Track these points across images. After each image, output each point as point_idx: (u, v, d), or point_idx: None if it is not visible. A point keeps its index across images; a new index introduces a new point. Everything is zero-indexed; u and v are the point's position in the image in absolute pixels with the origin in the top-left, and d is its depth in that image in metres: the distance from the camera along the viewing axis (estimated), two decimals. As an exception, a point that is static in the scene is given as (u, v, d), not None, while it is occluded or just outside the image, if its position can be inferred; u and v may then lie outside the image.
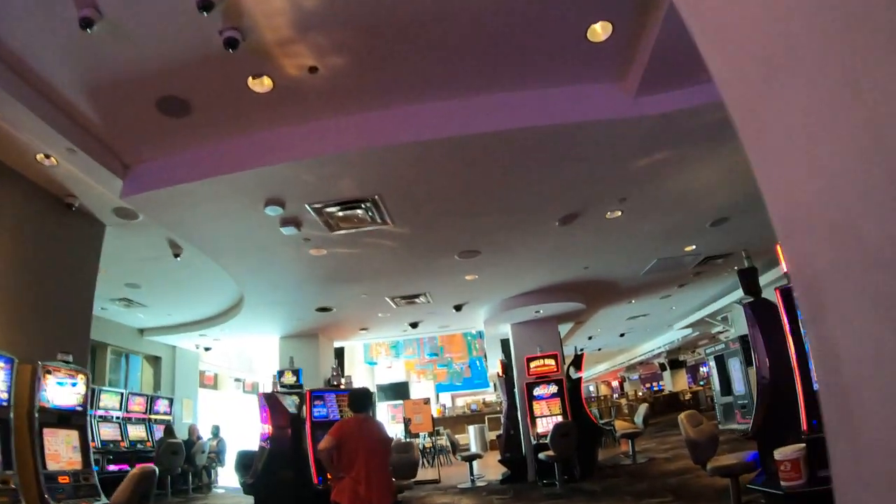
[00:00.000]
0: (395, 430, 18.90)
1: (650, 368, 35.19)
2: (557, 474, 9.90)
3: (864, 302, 1.00)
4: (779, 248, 5.64)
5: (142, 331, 13.76)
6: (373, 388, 24.11)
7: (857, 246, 1.00)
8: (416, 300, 11.39)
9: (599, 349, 26.05)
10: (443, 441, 16.16)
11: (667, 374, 32.03)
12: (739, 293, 14.29)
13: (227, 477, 13.60)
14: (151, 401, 13.23)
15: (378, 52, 4.76)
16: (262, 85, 4.96)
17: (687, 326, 19.57)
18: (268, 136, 5.65)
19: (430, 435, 16.52)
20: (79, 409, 6.38)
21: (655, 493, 8.09)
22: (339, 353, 15.06)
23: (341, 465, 5.15)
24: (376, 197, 6.45)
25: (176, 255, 8.29)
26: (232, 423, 16.47)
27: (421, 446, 16.80)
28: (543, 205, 7.32)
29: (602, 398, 32.55)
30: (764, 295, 6.24)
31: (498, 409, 19.86)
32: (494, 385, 20.91)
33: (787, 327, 5.28)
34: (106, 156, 5.67)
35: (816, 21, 0.99)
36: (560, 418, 11.06)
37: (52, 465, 5.85)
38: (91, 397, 10.95)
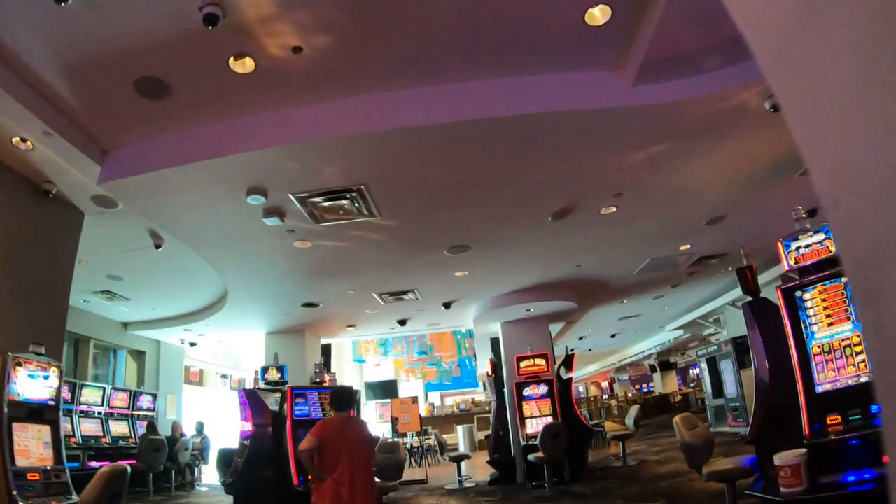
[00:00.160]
0: (382, 430, 18.72)
1: (640, 370, 35.22)
2: (547, 476, 9.73)
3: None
4: (780, 247, 5.52)
5: (125, 325, 13.58)
6: (360, 387, 23.97)
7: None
8: (405, 297, 11.21)
9: (590, 350, 25.99)
10: (431, 441, 15.96)
11: (657, 375, 32.08)
12: (732, 295, 14.37)
13: (211, 475, 13.37)
14: (135, 396, 13.08)
15: (366, 32, 4.56)
16: (244, 66, 4.76)
17: (679, 328, 19.53)
18: (250, 120, 5.43)
19: (418, 434, 16.31)
20: (51, 403, 6.13)
21: (647, 497, 7.93)
22: (326, 350, 14.83)
23: (323, 466, 4.99)
24: (362, 187, 6.22)
25: (157, 246, 8.07)
26: (217, 420, 16.23)
27: (408, 446, 16.63)
28: (536, 198, 7.12)
29: (592, 399, 32.49)
30: (762, 295, 6.03)
31: (487, 408, 19.67)
32: (484, 385, 20.76)
33: (788, 327, 5.14)
34: (83, 140, 5.46)
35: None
36: (550, 419, 10.90)
37: (21, 462, 5.61)
38: (72, 392, 11.07)
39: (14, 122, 4.98)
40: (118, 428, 12.36)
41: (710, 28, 4.70)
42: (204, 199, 6.30)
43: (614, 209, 7.68)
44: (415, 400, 15.92)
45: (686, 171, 6.95)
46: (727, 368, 14.33)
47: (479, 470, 13.28)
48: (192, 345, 15.33)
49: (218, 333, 14.21)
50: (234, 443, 8.95)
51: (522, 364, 11.68)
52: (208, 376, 19.16)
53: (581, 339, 20.71)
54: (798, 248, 5.32)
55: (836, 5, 0.93)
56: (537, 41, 4.87)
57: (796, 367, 5.02)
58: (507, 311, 12.22)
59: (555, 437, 9.53)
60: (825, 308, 5.09)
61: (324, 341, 14.93)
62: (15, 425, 5.67)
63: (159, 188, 5.97)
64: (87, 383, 11.98)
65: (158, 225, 7.28)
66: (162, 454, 11.53)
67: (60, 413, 6.36)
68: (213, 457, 13.13)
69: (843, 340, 4.93)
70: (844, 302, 4.99)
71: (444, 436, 15.39)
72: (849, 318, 4.94)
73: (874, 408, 4.61)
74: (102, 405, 11.99)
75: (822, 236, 5.24)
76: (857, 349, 4.85)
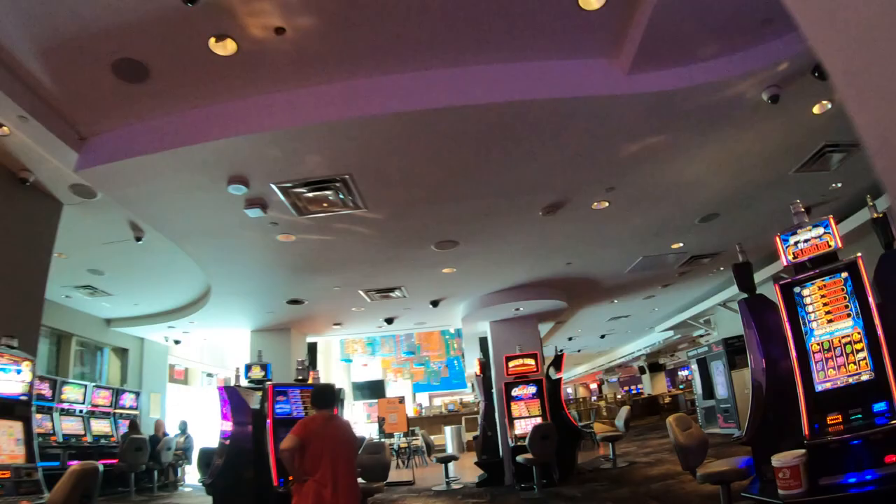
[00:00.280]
0: (368, 430, 18.54)
1: (629, 371, 35.28)
2: (536, 478, 9.56)
3: None
4: (778, 241, 5.36)
5: (108, 321, 13.39)
6: (348, 387, 23.79)
7: None
8: (391, 294, 11.05)
9: (579, 350, 25.96)
10: (418, 442, 15.79)
11: (646, 377, 32.06)
12: (723, 296, 14.29)
13: (195, 475, 13.13)
14: (117, 394, 12.86)
15: (351, 13, 4.38)
16: (226, 48, 4.57)
17: (668, 329, 19.45)
18: (231, 106, 5.24)
19: (405, 435, 16.12)
20: (23, 398, 5.91)
21: (638, 500, 7.79)
22: (312, 349, 14.62)
23: (305, 466, 4.84)
24: (347, 177, 6.01)
25: (137, 239, 7.87)
26: (202, 419, 16.00)
27: (396, 446, 16.46)
28: (527, 191, 6.95)
29: (581, 400, 32.47)
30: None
31: (475, 409, 19.53)
32: (472, 385, 20.61)
33: (787, 324, 4.98)
34: (61, 126, 5.24)
35: None
36: (539, 420, 10.74)
37: (-10, 459, 5.40)
38: (53, 389, 10.85)
39: (-12, 105, 4.76)
40: (100, 426, 12.12)
41: (709, 14, 4.58)
42: (183, 188, 6.09)
43: (606, 204, 7.53)
44: (402, 400, 15.72)
45: (680, 166, 6.82)
46: (718, 370, 14.29)
47: (467, 471, 13.15)
48: (177, 342, 15.13)
49: (202, 331, 14.03)
50: (216, 442, 8.71)
51: (511, 364, 11.51)
52: (193, 375, 18.91)
53: (570, 339, 20.66)
54: (797, 243, 5.16)
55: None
56: (529, 26, 4.71)
57: (795, 366, 4.86)
58: (496, 310, 12.08)
59: (545, 438, 9.36)
60: (825, 304, 4.93)
61: (310, 340, 14.74)
62: (-15, 421, 5.50)
63: (137, 176, 5.76)
64: (69, 380, 11.76)
65: (138, 216, 7.08)
66: (143, 454, 11.36)
67: (33, 409, 6.13)
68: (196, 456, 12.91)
69: (843, 337, 4.77)
70: (844, 298, 4.84)
71: (432, 437, 15.28)
72: (849, 315, 4.79)
73: (876, 407, 4.46)
74: (84, 403, 11.77)
75: (821, 230, 5.08)
76: (858, 346, 4.69)
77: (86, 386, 11.91)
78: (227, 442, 7.76)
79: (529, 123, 5.46)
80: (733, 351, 13.67)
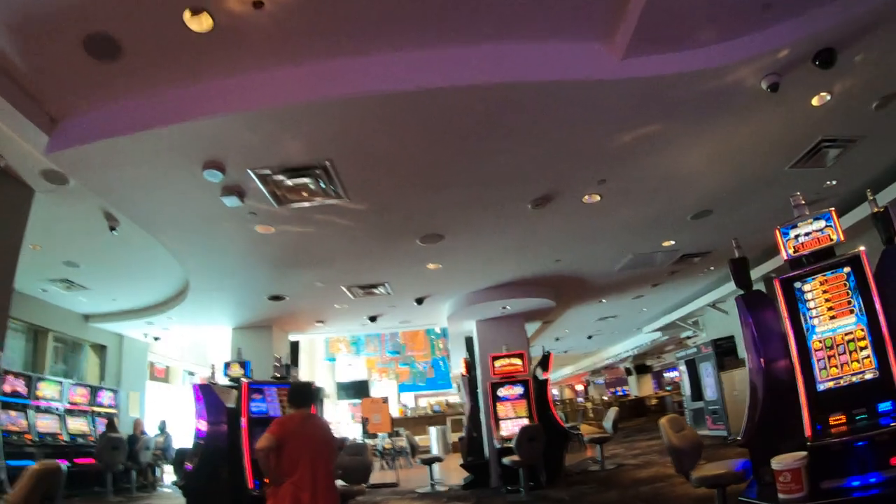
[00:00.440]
0: (353, 430, 18.31)
1: (616, 373, 35.25)
2: (522, 480, 9.38)
3: None
4: (778, 235, 5.15)
5: (87, 317, 13.11)
6: (332, 386, 23.56)
7: None
8: (375, 291, 10.80)
9: (566, 351, 25.85)
10: (402, 443, 15.57)
11: (632, 378, 32.04)
12: (713, 296, 14.18)
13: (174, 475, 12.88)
14: (95, 392, 12.65)
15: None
16: (201, 24, 4.29)
17: (657, 330, 19.36)
18: (206, 86, 4.96)
19: (390, 436, 15.90)
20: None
21: (627, 503, 7.56)
22: (295, 347, 14.33)
23: (281, 468, 4.63)
24: (327, 163, 5.74)
25: (112, 229, 7.62)
26: (183, 418, 15.69)
27: (380, 447, 16.26)
28: (516, 182, 6.72)
29: (567, 401, 32.43)
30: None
31: (461, 410, 19.36)
32: (457, 385, 20.44)
33: (787, 321, 4.77)
34: (30, 106, 4.94)
35: None
36: (525, 421, 10.54)
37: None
38: (28, 386, 10.56)
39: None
40: (77, 425, 11.89)
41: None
42: (157, 174, 5.82)
43: (598, 198, 7.33)
44: (385, 400, 15.56)
45: (674, 158, 6.63)
46: (707, 371, 14.20)
47: (452, 473, 13.00)
48: (156, 339, 14.86)
49: (182, 328, 13.75)
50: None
51: (497, 363, 11.29)
52: (174, 373, 18.65)
53: (557, 339, 20.53)
54: (797, 236, 4.96)
55: None
56: (521, 6, 4.49)
57: (796, 364, 4.65)
58: (483, 309, 11.89)
59: (532, 439, 9.18)
60: (826, 300, 4.73)
61: (293, 338, 14.46)
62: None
63: (109, 160, 5.48)
64: (45, 377, 11.52)
65: (111, 204, 6.81)
66: (121, 453, 11.13)
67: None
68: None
69: (846, 335, 4.57)
70: (847, 293, 4.64)
71: (417, 437, 15.14)
72: (852, 311, 4.59)
73: (881, 406, 4.26)
74: (61, 401, 11.55)
75: (822, 223, 4.88)
76: (862, 344, 4.49)
77: (62, 383, 11.70)
78: (202, 442, 7.47)
79: (519, 108, 5.22)
80: (722, 352, 13.60)
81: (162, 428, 14.11)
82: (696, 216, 8.57)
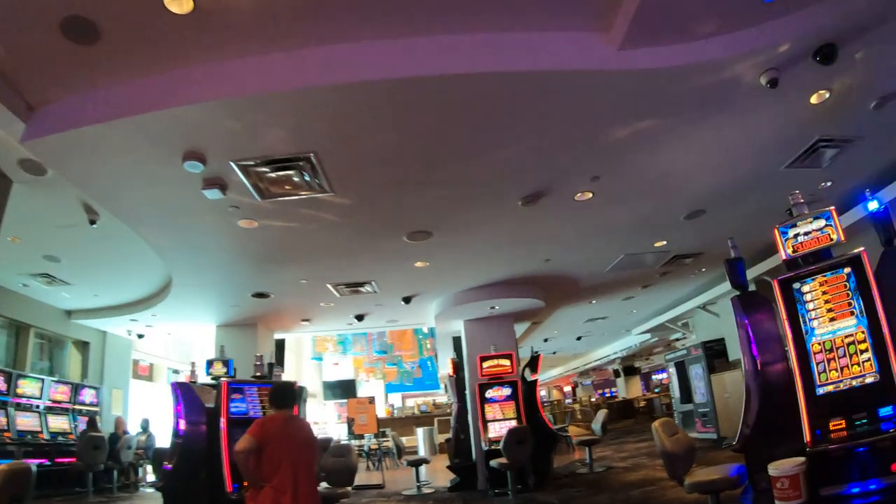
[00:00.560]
0: (338, 431, 18.13)
1: (604, 374, 35.27)
2: (510, 483, 9.27)
3: None
4: (776, 234, 5.02)
5: (69, 313, 12.90)
6: (318, 386, 23.36)
7: None
8: (362, 289, 10.61)
9: (555, 353, 25.78)
10: (389, 443, 15.41)
11: (620, 380, 32.01)
12: (703, 298, 14.08)
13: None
14: (76, 390, 12.50)
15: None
16: (181, 5, 4.08)
17: (646, 331, 19.31)
18: (187, 72, 4.74)
19: (376, 437, 15.72)
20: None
21: (618, 507, 7.44)
22: (280, 346, 14.11)
23: (261, 471, 4.46)
24: (311, 155, 5.52)
25: (92, 222, 7.44)
26: (167, 417, 15.45)
27: (366, 448, 16.09)
28: (506, 177, 6.54)
29: (555, 403, 32.40)
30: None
31: (448, 411, 19.22)
32: (445, 386, 20.30)
33: (786, 323, 4.64)
34: (7, 92, 4.71)
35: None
36: (514, 423, 10.43)
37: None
38: (8, 383, 10.36)
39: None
40: (58, 423, 11.75)
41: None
42: (137, 164, 5.60)
43: (590, 195, 7.17)
44: (372, 400, 15.33)
45: (669, 155, 6.49)
46: (697, 373, 14.10)
47: (439, 475, 12.85)
48: (140, 336, 14.60)
49: (166, 325, 13.49)
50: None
51: (485, 364, 11.15)
52: (159, 371, 18.37)
53: (546, 340, 20.41)
54: (796, 236, 4.83)
55: None
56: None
57: (795, 367, 4.54)
58: (471, 308, 11.70)
59: (520, 442, 9.05)
60: (826, 301, 4.61)
61: (278, 336, 14.23)
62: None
63: (87, 149, 5.26)
64: (25, 374, 11.38)
65: (90, 196, 6.60)
66: (102, 452, 11.03)
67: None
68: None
69: (846, 337, 4.47)
70: (847, 294, 4.53)
71: (404, 438, 14.98)
72: (852, 313, 4.48)
73: (882, 411, 4.13)
74: (41, 398, 11.41)
75: (822, 223, 4.77)
76: (862, 346, 4.38)
77: (43, 380, 11.55)
78: (180, 441, 7.25)
79: (512, 98, 5.04)
80: (713, 354, 13.50)
81: (144, 427, 13.92)
82: (690, 216, 8.43)
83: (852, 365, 4.37)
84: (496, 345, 11.62)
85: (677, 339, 20.44)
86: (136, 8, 4.10)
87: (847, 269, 4.54)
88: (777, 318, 4.90)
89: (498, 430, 10.39)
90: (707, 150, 6.46)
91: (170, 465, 7.16)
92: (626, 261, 10.54)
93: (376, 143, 5.58)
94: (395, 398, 28.82)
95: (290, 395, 5.03)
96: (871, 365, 4.29)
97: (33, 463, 9.89)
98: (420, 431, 18.06)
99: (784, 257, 4.88)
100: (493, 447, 10.08)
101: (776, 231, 4.92)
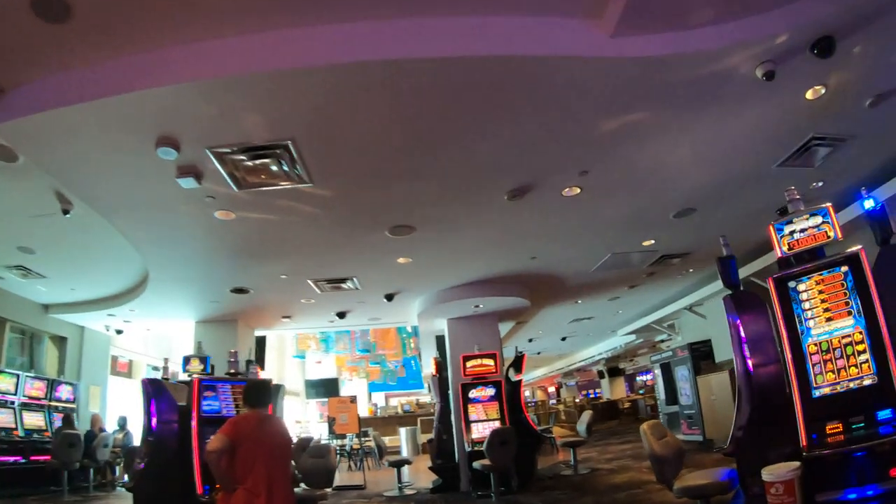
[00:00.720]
0: (319, 431, 17.88)
1: (588, 375, 35.26)
2: (493, 485, 9.13)
3: None
4: (771, 230, 4.87)
5: (46, 307, 12.55)
6: (301, 384, 23.11)
7: None
8: (343, 285, 10.40)
9: (539, 353, 25.69)
10: (370, 443, 15.21)
11: (604, 381, 31.99)
12: (689, 299, 13.97)
13: (131, 475, 12.40)
14: (52, 386, 12.18)
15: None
16: (156, -21, 3.86)
17: (631, 332, 19.24)
18: (162, 53, 4.51)
19: (358, 436, 15.50)
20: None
21: (603, 510, 7.28)
22: (261, 343, 13.86)
23: (234, 472, 4.27)
24: (289, 142, 5.29)
25: (65, 212, 7.15)
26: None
27: (347, 448, 15.88)
28: (492, 169, 6.34)
29: (539, 403, 32.30)
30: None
31: (432, 410, 19.07)
32: (428, 386, 20.12)
33: (781, 323, 4.48)
34: (-25, 75, 4.49)
35: None
36: (497, 423, 10.29)
37: None
38: None
39: None
40: (33, 420, 11.50)
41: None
42: (109, 150, 5.36)
43: (578, 191, 6.99)
44: (353, 399, 15.12)
45: (661, 150, 6.32)
46: (682, 375, 14.00)
47: (421, 475, 12.69)
48: (119, 332, 14.26)
49: (144, 321, 13.23)
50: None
51: (469, 364, 11.00)
52: (138, 367, 17.98)
53: (531, 340, 20.31)
54: (792, 233, 4.67)
55: None
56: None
57: (791, 369, 4.39)
58: (454, 307, 11.55)
59: (504, 443, 8.89)
60: (822, 301, 4.45)
61: (259, 333, 14.00)
62: None
63: (59, 134, 5.03)
64: (1, 369, 11.10)
65: (63, 183, 6.30)
66: (77, 450, 10.79)
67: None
68: (126, 456, 12.17)
69: (843, 337, 4.31)
70: (845, 294, 4.37)
71: (387, 438, 14.78)
72: (850, 313, 4.33)
73: (880, 414, 3.98)
74: (16, 394, 11.13)
75: (819, 219, 4.61)
76: (860, 347, 4.22)
77: (18, 376, 11.28)
78: (152, 441, 6.99)
79: (500, 85, 4.83)
80: (699, 356, 13.42)
81: (122, 424, 13.66)
82: (679, 214, 8.29)
83: (850, 366, 4.22)
84: (480, 344, 11.47)
85: (662, 341, 20.38)
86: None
87: (844, 268, 4.39)
88: (770, 318, 4.75)
89: (481, 430, 10.26)
90: (699, 144, 6.30)
91: (142, 465, 6.91)
92: (612, 260, 10.40)
93: (357, 131, 5.35)
94: (379, 397, 28.67)
95: (264, 394, 4.84)
96: (869, 366, 4.14)
97: (11, 461, 9.79)
98: (403, 431, 17.88)
99: (779, 255, 4.73)
100: (476, 448, 9.94)
101: (771, 227, 4.77)
